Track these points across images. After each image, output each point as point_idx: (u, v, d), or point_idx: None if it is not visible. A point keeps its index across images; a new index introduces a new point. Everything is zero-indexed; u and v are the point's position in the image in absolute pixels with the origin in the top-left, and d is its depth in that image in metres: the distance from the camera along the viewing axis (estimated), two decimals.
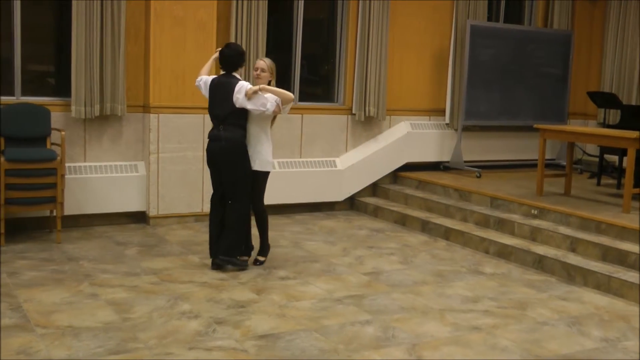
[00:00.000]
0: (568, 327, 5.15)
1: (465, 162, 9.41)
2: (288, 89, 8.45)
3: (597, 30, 10.63)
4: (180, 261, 6.33)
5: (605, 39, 10.40)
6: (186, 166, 7.56)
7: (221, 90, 5.91)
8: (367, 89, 8.75)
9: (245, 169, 5.99)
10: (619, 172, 8.56)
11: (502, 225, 7.40)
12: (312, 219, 8.37)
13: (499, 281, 6.21)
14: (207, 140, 6.12)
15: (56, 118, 7.12)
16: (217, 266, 6.08)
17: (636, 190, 7.28)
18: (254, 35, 7.91)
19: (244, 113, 5.89)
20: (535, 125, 8.27)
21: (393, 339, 4.76)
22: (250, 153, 6.01)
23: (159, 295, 5.38)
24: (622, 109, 9.13)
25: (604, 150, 8.73)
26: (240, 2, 7.81)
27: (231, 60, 5.98)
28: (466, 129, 9.52)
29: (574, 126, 9.57)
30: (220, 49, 6.11)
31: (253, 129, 6.00)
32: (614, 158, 8.99)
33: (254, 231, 6.32)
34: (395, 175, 9.33)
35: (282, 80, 8.62)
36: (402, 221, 8.26)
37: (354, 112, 8.84)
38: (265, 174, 6.14)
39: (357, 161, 8.89)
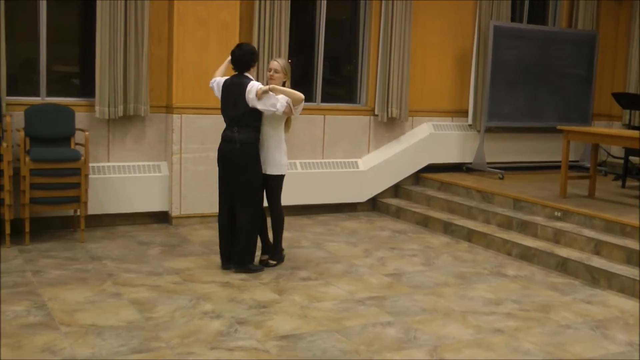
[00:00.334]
0: (592, 330, 5.11)
1: (488, 163, 9.37)
2: (310, 90, 8.53)
3: (623, 30, 10.53)
4: (202, 261, 6.36)
5: (631, 40, 10.29)
6: (208, 166, 7.57)
7: (233, 91, 5.89)
8: (390, 89, 8.73)
9: (256, 173, 5.96)
10: None
11: (525, 227, 7.36)
12: (334, 220, 8.36)
13: (522, 284, 6.17)
14: (219, 140, 6.08)
15: (80, 118, 7.17)
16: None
17: None
18: (276, 36, 7.92)
19: (258, 115, 5.87)
20: (558, 127, 8.22)
21: (415, 341, 4.74)
22: (263, 156, 5.99)
23: (181, 295, 5.41)
24: None
25: (629, 152, 8.65)
26: (263, 2, 7.83)
27: (242, 60, 5.94)
28: (489, 130, 9.47)
29: (599, 128, 9.50)
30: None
31: (266, 132, 5.97)
32: None
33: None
34: (417, 177, 9.30)
35: (304, 81, 8.65)
36: (424, 222, 8.23)
37: (376, 113, 8.83)
38: (280, 177, 6.11)
39: (379, 162, 8.87)
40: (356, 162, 8.78)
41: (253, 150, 5.92)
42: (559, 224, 7.17)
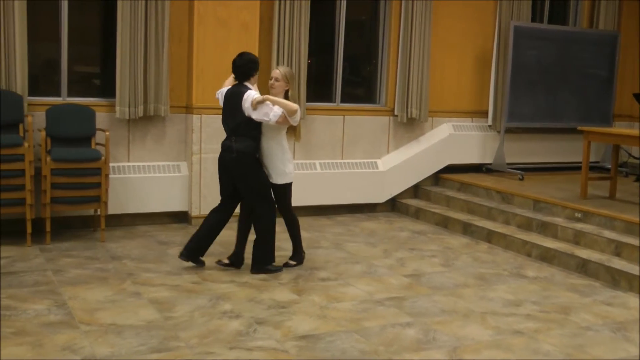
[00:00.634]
0: (612, 332, 5.07)
1: (508, 164, 9.32)
2: (330, 90, 8.55)
3: None
4: None
5: None
6: None
7: (233, 101, 5.88)
8: (410, 90, 8.72)
9: (259, 179, 5.93)
10: None
11: (545, 229, 7.32)
12: (353, 221, 8.36)
13: (542, 285, 6.14)
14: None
15: (101, 118, 7.21)
16: (185, 257, 6.07)
17: None
18: (296, 36, 7.93)
19: (255, 124, 5.83)
20: (579, 128, 8.16)
21: (434, 342, 4.73)
22: (266, 165, 5.97)
23: (200, 295, 5.42)
24: None
25: None
26: (282, 2, 7.84)
27: (242, 69, 5.90)
28: (509, 130, 9.43)
29: (619, 128, 9.42)
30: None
31: (267, 142, 5.94)
32: None
33: (285, 236, 6.34)
34: (437, 177, 9.28)
35: (324, 81, 8.66)
36: (444, 223, 8.21)
37: (396, 113, 8.82)
38: (286, 186, 6.08)
39: (398, 163, 8.86)
40: (376, 162, 8.77)
41: (249, 159, 5.87)
42: (580, 225, 7.12)
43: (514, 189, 8.26)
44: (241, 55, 5.96)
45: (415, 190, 9.17)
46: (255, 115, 5.76)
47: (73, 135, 6.91)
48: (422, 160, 9.02)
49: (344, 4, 8.50)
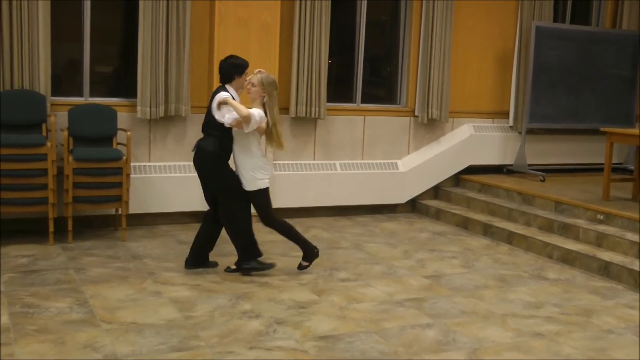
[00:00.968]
0: (635, 336, 5.02)
1: (529, 165, 9.27)
2: (350, 91, 8.56)
3: None
4: None
5: None
6: None
7: (210, 101, 5.90)
8: (430, 90, 8.69)
9: (222, 179, 5.84)
10: None
11: (566, 230, 7.27)
12: (373, 221, 8.35)
13: (563, 287, 6.10)
14: None
15: (122, 118, 7.25)
16: (191, 266, 6.08)
17: None
18: (316, 36, 7.93)
19: (218, 125, 5.74)
20: (601, 129, 8.10)
21: (454, 343, 4.72)
22: (238, 171, 5.85)
23: (220, 294, 5.44)
24: None
25: None
26: (303, 3, 7.84)
27: (222, 71, 5.89)
28: (530, 131, 9.38)
29: None
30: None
31: (235, 147, 5.84)
32: None
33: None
34: (457, 178, 9.25)
35: (345, 82, 8.66)
36: (464, 224, 8.18)
37: (416, 114, 8.79)
38: (257, 193, 5.85)
39: (419, 163, 8.84)
40: (396, 163, 8.76)
41: (210, 157, 5.82)
42: (602, 227, 7.07)
43: (535, 190, 8.22)
44: (226, 59, 5.96)
45: (436, 191, 9.15)
46: (217, 116, 5.73)
47: (95, 135, 6.96)
48: (443, 161, 9.00)
49: (364, 4, 8.50)
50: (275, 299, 5.40)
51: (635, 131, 8.19)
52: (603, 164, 7.95)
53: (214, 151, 5.81)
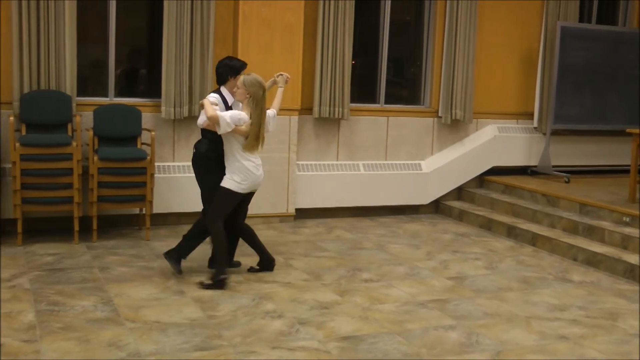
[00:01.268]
0: None
1: (554, 166, 9.20)
2: (374, 91, 8.56)
3: None
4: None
5: None
6: (272, 167, 7.61)
7: None
8: (454, 91, 8.66)
9: (209, 182, 5.78)
10: None
11: (591, 233, 7.21)
12: (397, 222, 8.33)
13: (588, 290, 6.05)
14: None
15: (146, 119, 7.30)
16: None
17: None
18: (340, 37, 7.92)
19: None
20: (627, 130, 8.02)
21: (477, 345, 4.69)
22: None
23: (243, 294, 5.46)
24: None
25: None
26: (327, 3, 7.84)
27: (217, 72, 5.88)
28: (555, 132, 9.31)
29: None
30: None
31: (224, 149, 5.71)
32: None
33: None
34: (481, 179, 9.20)
35: (368, 82, 8.65)
36: (488, 226, 8.14)
37: (440, 114, 8.77)
38: (221, 189, 5.65)
39: (442, 164, 8.80)
40: (419, 164, 8.73)
41: (201, 158, 5.82)
42: (628, 230, 7.00)
43: (559, 192, 8.16)
44: (223, 60, 5.93)
45: (459, 192, 9.11)
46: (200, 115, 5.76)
47: (119, 135, 7.01)
48: (466, 162, 8.96)
49: (388, 4, 8.48)
50: (298, 299, 5.40)
51: None
52: (629, 165, 7.87)
53: (205, 153, 5.82)
